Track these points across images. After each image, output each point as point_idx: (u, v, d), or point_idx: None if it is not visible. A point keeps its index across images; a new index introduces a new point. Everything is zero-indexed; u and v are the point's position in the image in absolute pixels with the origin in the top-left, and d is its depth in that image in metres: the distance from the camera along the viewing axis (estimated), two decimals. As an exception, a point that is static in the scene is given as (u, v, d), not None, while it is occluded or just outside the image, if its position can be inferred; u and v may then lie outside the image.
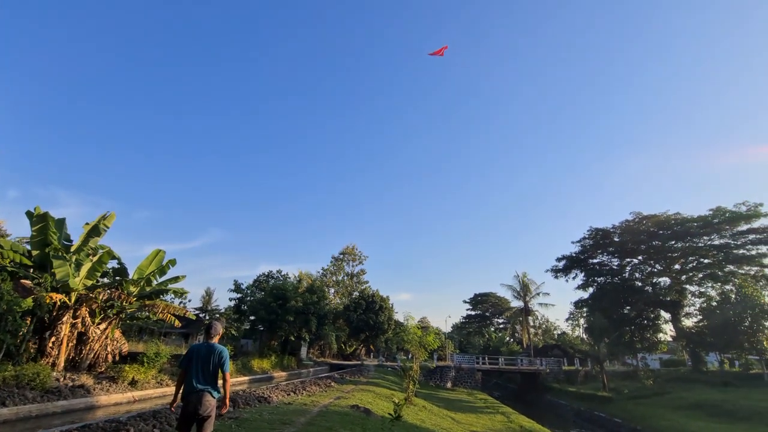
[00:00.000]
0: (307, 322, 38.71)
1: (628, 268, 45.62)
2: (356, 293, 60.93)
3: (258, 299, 40.51)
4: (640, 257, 44.08)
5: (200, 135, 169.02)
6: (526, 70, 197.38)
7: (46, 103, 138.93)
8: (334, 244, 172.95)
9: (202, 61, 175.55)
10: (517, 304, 59.97)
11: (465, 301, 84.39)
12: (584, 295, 48.34)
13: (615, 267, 46.04)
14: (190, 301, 52.33)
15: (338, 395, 16.16)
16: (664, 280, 42.95)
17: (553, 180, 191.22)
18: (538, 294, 54.84)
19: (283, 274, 47.05)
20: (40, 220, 16.55)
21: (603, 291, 44.88)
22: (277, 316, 36.94)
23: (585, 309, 51.70)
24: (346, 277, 68.47)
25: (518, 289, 55.50)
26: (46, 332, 15.94)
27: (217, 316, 48.69)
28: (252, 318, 41.93)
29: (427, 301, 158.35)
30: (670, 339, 46.19)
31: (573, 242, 48.68)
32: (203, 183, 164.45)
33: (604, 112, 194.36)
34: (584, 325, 63.64)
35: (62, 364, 15.89)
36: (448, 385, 38.39)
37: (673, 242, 40.57)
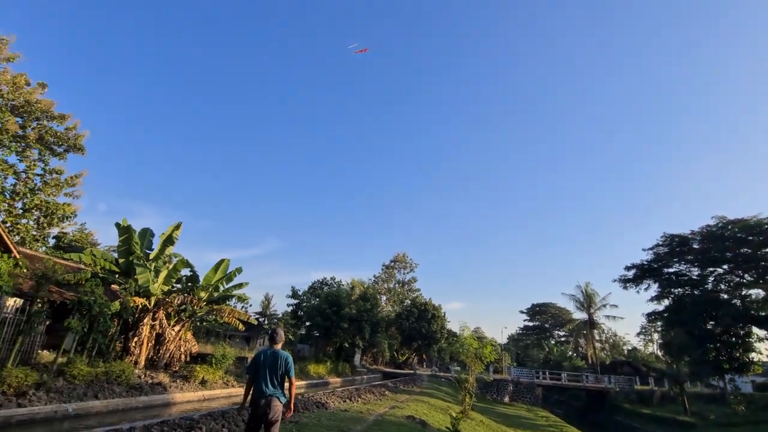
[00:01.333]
0: (361, 329, 39.18)
1: (711, 278, 40.85)
2: (408, 301, 60.73)
3: (313, 305, 41.80)
4: (725, 266, 39.31)
5: (260, 158, 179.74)
6: (603, 67, 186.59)
7: (128, 132, 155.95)
8: (385, 252, 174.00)
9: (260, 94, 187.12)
10: (580, 315, 56.20)
11: (522, 312, 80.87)
12: (658, 307, 44.09)
13: (695, 277, 41.46)
14: (251, 305, 55.27)
15: (393, 404, 16.08)
16: (757, 292, 37.86)
17: (618, 182, 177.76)
18: (604, 305, 51.01)
19: (336, 281, 48.29)
20: (125, 231, 18.47)
21: (681, 303, 40.55)
22: (331, 323, 37.81)
23: (659, 323, 47.06)
24: (397, 285, 68.60)
25: (581, 300, 52.00)
26: (129, 332, 17.65)
27: (276, 321, 50.90)
28: (308, 324, 43.36)
29: (481, 310, 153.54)
30: (766, 359, 40.53)
31: (644, 249, 44.69)
32: (261, 195, 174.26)
33: (679, 109, 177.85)
34: (659, 341, 57.98)
35: (143, 363, 17.46)
36: (506, 399, 36.72)
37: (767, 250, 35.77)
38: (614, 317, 51.29)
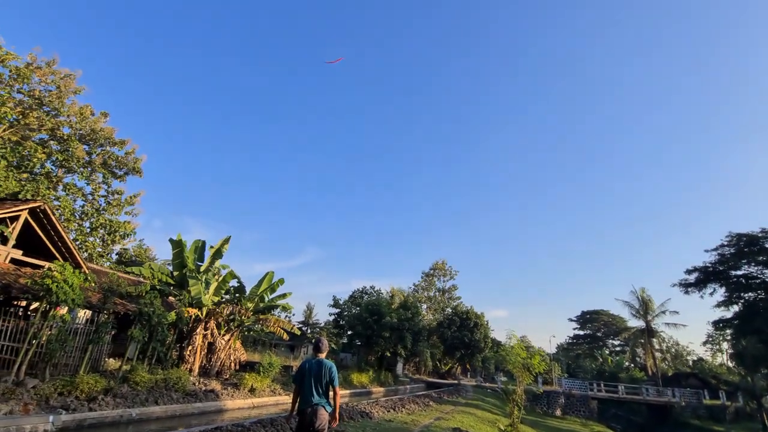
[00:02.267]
0: (402, 338, 38.96)
1: (789, 281, 36.81)
2: (449, 309, 59.72)
3: (354, 314, 42.19)
4: (804, 268, 35.34)
5: (301, 172, 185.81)
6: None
7: (178, 152, 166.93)
8: (424, 259, 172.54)
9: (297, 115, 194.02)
10: (636, 323, 52.52)
11: (571, 320, 76.97)
12: (726, 314, 40.25)
13: (768, 280, 37.55)
14: (294, 315, 56.80)
15: (438, 415, 15.79)
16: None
17: (676, 178, 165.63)
18: (663, 312, 47.34)
19: (376, 289, 48.50)
20: (177, 246, 19.72)
21: (753, 309, 36.77)
22: (373, 332, 37.92)
23: (729, 331, 42.92)
24: (437, 293, 67.72)
25: (637, 307, 48.63)
26: (184, 341, 18.69)
27: (318, 330, 51.86)
28: (350, 332, 43.78)
29: (526, 318, 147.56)
30: None
31: (707, 250, 41.11)
32: (302, 207, 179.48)
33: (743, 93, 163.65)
34: (729, 351, 52.90)
35: (197, 370, 18.39)
36: (557, 412, 34.89)
37: None
38: (675, 325, 47.37)
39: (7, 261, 14.24)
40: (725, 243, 39.37)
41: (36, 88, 25.66)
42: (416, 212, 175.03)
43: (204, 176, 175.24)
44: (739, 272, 39.36)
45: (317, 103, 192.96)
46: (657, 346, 53.62)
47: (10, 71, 23.87)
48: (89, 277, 14.31)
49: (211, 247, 21.08)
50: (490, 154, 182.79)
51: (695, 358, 68.93)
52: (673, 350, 69.93)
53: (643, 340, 50.60)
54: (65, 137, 26.91)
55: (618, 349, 70.67)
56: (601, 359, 68.06)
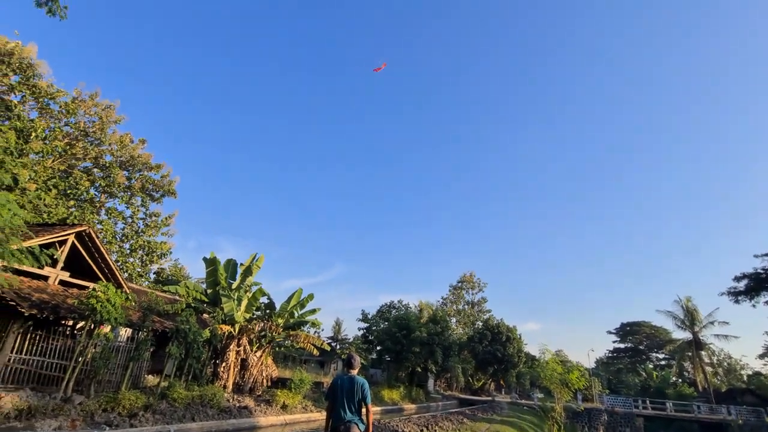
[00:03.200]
0: (433, 353, 38.23)
1: None
2: (479, 323, 58.30)
3: (383, 329, 41.88)
4: None
5: (329, 189, 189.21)
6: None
7: (209, 172, 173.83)
8: (451, 272, 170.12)
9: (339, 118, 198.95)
10: (681, 335, 49.45)
11: (610, 332, 73.35)
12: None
13: (830, 286, 34.56)
14: (323, 330, 57.07)
15: (473, 434, 15.29)
16: None
17: (721, 176, 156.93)
18: (711, 323, 44.35)
19: (404, 304, 48.09)
20: (211, 264, 20.40)
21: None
22: (402, 347, 37.45)
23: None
24: (466, 306, 66.37)
25: (682, 317, 45.83)
26: (218, 358, 19.10)
27: (348, 345, 51.73)
28: (379, 348, 43.42)
29: (561, 331, 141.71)
30: None
31: (757, 255, 38.39)
32: (329, 222, 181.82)
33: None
34: (791, 364, 48.68)
35: (230, 387, 18.70)
36: (600, 431, 33.00)
37: None
38: (726, 336, 44.24)
39: (56, 283, 15.14)
40: (777, 247, 36.68)
41: (81, 120, 27.60)
42: (445, 224, 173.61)
43: (234, 194, 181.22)
44: (795, 278, 36.48)
45: (345, 113, 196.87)
46: (707, 360, 49.99)
47: (60, 107, 25.82)
48: (130, 297, 14.98)
49: (242, 264, 21.65)
50: (523, 161, 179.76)
51: (751, 373, 63.68)
52: (726, 364, 64.98)
53: (690, 353, 47.46)
54: (107, 164, 28.69)
55: (663, 363, 66.46)
56: (644, 374, 64.12)
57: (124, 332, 16.94)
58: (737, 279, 40.04)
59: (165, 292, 22.20)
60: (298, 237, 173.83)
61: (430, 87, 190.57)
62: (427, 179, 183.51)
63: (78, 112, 27.00)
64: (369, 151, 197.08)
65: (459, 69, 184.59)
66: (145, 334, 14.93)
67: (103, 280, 16.17)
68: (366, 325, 46.67)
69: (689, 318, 45.48)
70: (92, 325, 12.66)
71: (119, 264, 28.24)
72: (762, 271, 37.94)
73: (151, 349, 15.77)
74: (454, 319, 62.01)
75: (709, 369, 51.00)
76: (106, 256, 16.41)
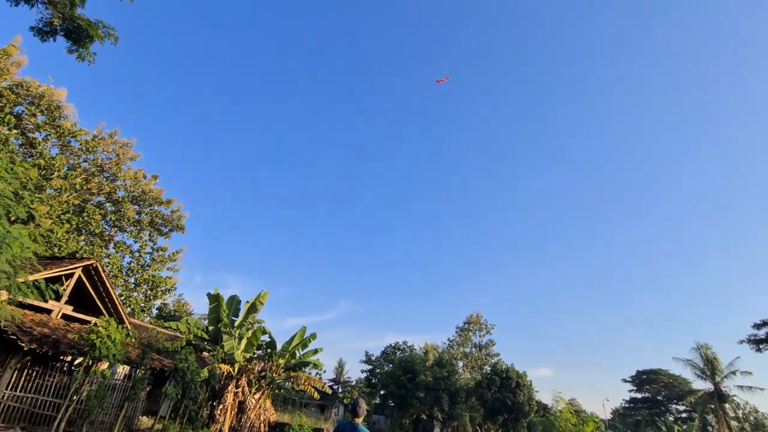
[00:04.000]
0: (439, 399, 36.56)
1: None
2: (487, 367, 56.04)
3: (387, 372, 40.41)
4: None
5: (336, 225, 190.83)
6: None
7: (219, 207, 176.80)
8: (458, 312, 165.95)
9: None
10: (702, 385, 46.65)
11: (625, 380, 69.78)
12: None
13: None
14: (325, 372, 55.26)
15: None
16: None
17: (736, 217, 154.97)
18: (733, 373, 42.02)
19: (409, 345, 46.70)
20: (214, 300, 20.20)
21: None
22: (406, 391, 35.93)
23: (818, 396, 37.30)
24: (474, 349, 64.09)
25: (701, 366, 43.60)
26: (215, 400, 18.43)
27: (350, 389, 49.70)
28: (382, 392, 41.67)
29: (573, 378, 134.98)
30: None
31: (774, 302, 37.12)
32: (335, 261, 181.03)
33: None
34: (823, 420, 45.46)
35: (227, 431, 17.88)
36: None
37: None
38: (750, 388, 41.72)
39: (58, 317, 15.06)
40: (796, 293, 35.54)
41: (99, 156, 28.67)
42: (452, 263, 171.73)
43: (243, 232, 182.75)
44: (818, 326, 34.97)
45: (361, 150, 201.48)
46: (731, 414, 46.92)
47: (80, 144, 26.95)
48: (131, 333, 14.78)
49: (246, 302, 21.43)
50: (538, 200, 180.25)
51: (781, 429, 59.42)
52: (752, 418, 60.90)
53: (713, 406, 44.65)
54: (119, 199, 29.40)
55: (684, 415, 62.57)
56: (665, 427, 60.19)
57: (122, 369, 16.56)
58: (757, 326, 38.51)
59: (166, 328, 21.91)
60: (304, 274, 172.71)
61: (445, 123, 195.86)
62: (439, 220, 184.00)
63: (97, 150, 28.10)
64: (379, 187, 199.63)
65: (476, 109, 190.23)
66: (143, 372, 14.57)
67: (106, 314, 16.06)
68: (369, 367, 45.15)
69: (709, 367, 43.21)
70: (90, 362, 12.42)
71: (123, 298, 28.13)
72: (782, 318, 36.52)
73: (148, 388, 15.31)
74: (460, 363, 59.70)
75: (734, 423, 47.75)
76: (111, 290, 16.40)
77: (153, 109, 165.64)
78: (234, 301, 21.50)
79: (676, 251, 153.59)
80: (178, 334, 20.75)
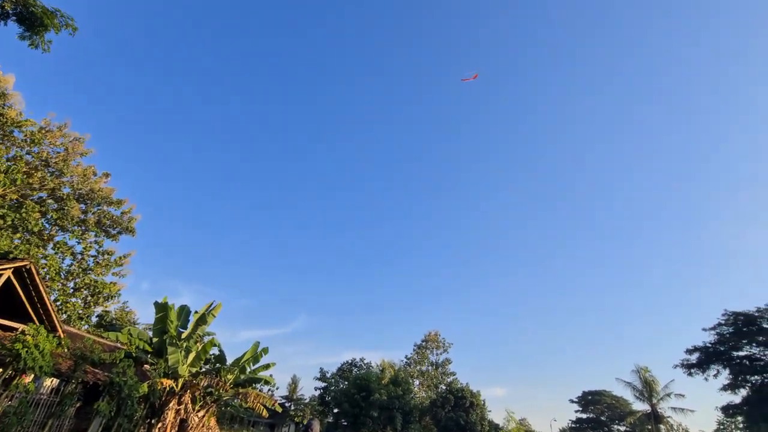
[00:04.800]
0: (392, 418, 36.18)
1: (793, 364, 35.67)
2: (443, 386, 56.30)
3: (341, 390, 39.59)
4: (807, 350, 34.50)
5: (295, 232, 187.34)
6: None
7: (172, 213, 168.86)
8: (417, 329, 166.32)
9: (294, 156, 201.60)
10: (640, 407, 49.42)
11: (572, 401, 72.35)
12: (734, 398, 38.23)
13: (773, 362, 36.36)
14: (277, 388, 53.07)
15: None
16: None
17: (669, 248, 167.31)
18: (668, 395, 44.83)
19: (366, 362, 46.13)
20: (162, 309, 19.04)
21: (762, 394, 35.08)
22: (360, 410, 35.30)
23: (740, 418, 40.45)
24: (430, 368, 64.28)
25: (640, 388, 46.17)
26: (154, 418, 17.20)
27: (302, 406, 48.07)
28: (336, 411, 40.67)
29: (526, 397, 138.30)
30: None
31: (705, 329, 40.33)
32: (296, 272, 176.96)
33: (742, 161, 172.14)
34: (744, 441, 49.23)
35: (164, 452, 16.68)
36: None
37: None
38: (684, 410, 44.60)
39: (-21, 322, 13.64)
40: (722, 322, 38.81)
41: (45, 150, 26.71)
42: (414, 280, 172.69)
43: (198, 239, 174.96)
44: (741, 353, 38.24)
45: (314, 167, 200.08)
46: (666, 434, 49.81)
47: (25, 135, 25.02)
48: (63, 342, 13.63)
49: (196, 312, 20.39)
50: (481, 224, 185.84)
51: (708, 449, 63.72)
52: (684, 439, 64.89)
53: (650, 427, 47.23)
54: (63, 196, 27.37)
55: (625, 436, 65.53)
56: (607, 448, 62.84)
57: (49, 383, 15.15)
58: (689, 351, 41.55)
59: (105, 338, 20.34)
60: (265, 286, 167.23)
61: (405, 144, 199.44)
62: (402, 235, 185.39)
63: (43, 142, 26.20)
64: (341, 207, 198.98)
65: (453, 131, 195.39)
66: (74, 386, 13.40)
67: (36, 321, 14.71)
68: (324, 384, 44.00)
69: (647, 389, 45.87)
70: (12, 374, 11.27)
71: (59, 304, 25.94)
72: (710, 345, 39.65)
73: (77, 405, 14.07)
74: (417, 381, 59.61)
75: (668, 444, 50.60)
76: (44, 295, 15.10)
77: (119, 108, 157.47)
78: (184, 312, 20.39)
79: (621, 276, 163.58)
80: (119, 345, 19.33)
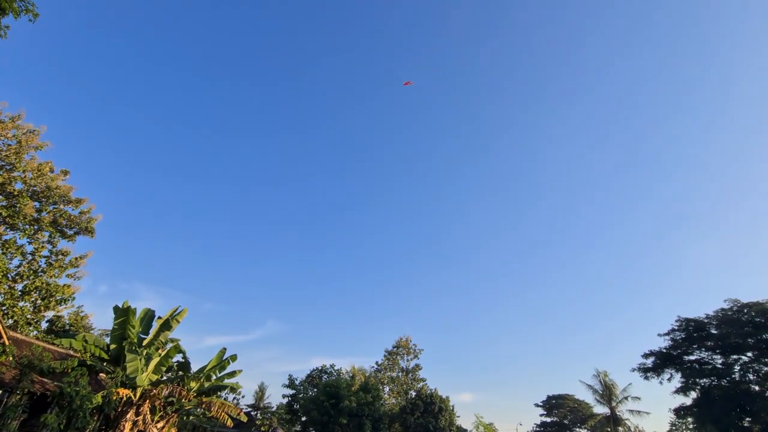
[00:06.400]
0: (361, 426, 35.80)
1: (737, 367, 38.13)
2: (413, 392, 56.37)
3: (310, 397, 38.84)
4: (749, 354, 37.00)
5: (264, 236, 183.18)
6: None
7: (135, 213, 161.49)
8: (388, 335, 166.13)
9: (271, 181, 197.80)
10: (601, 410, 51.31)
11: (537, 405, 74.20)
12: (686, 401, 40.41)
13: (719, 366, 38.74)
14: (243, 396, 51.45)
15: None
16: (791, 384, 35.03)
17: (626, 256, 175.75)
18: (626, 398, 46.84)
19: (336, 369, 45.53)
20: (122, 314, 18.01)
21: (709, 397, 37.31)
22: (329, 418, 34.71)
23: (690, 419, 42.81)
24: (401, 374, 64.23)
25: (600, 392, 47.97)
26: (108, 430, 16.19)
27: (269, 415, 46.74)
28: (304, 419, 39.82)
29: (493, 402, 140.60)
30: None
31: (660, 335, 42.53)
32: (267, 278, 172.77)
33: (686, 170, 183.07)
34: (693, 441, 52.10)
35: (119, 466, 15.71)
36: None
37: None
38: (640, 412, 46.69)
39: None
40: (675, 328, 41.07)
41: (-5, 141, 24.90)
42: (384, 287, 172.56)
43: (162, 240, 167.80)
44: (692, 357, 40.58)
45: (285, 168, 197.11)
46: (623, 436, 51.96)
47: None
48: (8, 350, 12.63)
49: (159, 318, 19.47)
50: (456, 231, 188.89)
51: (662, 449, 67.01)
52: (640, 440, 67.95)
53: (609, 429, 49.13)
54: (15, 193, 25.54)
55: (586, 438, 67.89)
56: (569, 451, 64.81)
57: (-9, 394, 13.97)
58: (645, 356, 43.64)
59: (57, 345, 19.03)
60: (232, 290, 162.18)
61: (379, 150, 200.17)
62: (373, 238, 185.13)
63: (-7, 133, 24.41)
64: (317, 202, 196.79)
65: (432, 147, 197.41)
66: (18, 397, 12.42)
67: (-23, 327, 13.56)
68: (292, 391, 42.96)
69: (607, 393, 47.72)
70: (-53, 385, 10.30)
71: (4, 308, 24.06)
72: (665, 350, 41.84)
73: (22, 417, 13.03)
74: (387, 388, 59.39)
75: (626, 445, 52.76)
76: (-12, 298, 13.96)
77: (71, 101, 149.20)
78: (147, 316, 19.44)
79: (584, 283, 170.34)
80: (71, 353, 18.11)
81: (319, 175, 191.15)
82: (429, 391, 50.24)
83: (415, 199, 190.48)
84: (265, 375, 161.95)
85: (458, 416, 51.33)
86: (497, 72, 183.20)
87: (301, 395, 42.00)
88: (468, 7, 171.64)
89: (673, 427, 61.69)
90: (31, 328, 26.45)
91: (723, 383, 37.53)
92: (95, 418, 15.33)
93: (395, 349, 65.39)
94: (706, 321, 39.13)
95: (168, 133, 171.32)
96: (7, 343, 13.44)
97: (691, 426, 47.74)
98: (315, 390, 39.73)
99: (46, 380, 14.77)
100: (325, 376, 43.44)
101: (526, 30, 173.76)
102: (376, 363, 63.34)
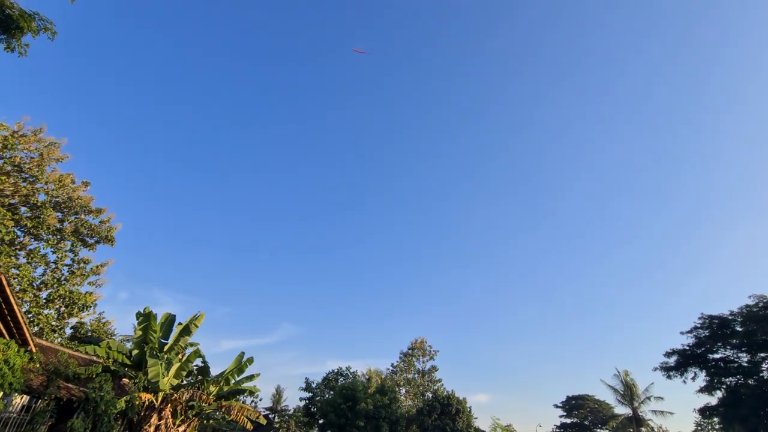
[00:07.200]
0: (378, 428, 35.77)
1: (765, 365, 36.88)
2: (429, 394, 56.12)
3: (327, 400, 38.99)
4: (777, 351, 35.78)
5: (279, 240, 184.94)
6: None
7: (153, 221, 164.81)
8: (404, 336, 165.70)
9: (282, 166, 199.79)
10: (622, 410, 50.17)
11: (556, 406, 72.97)
12: (711, 400, 39.21)
13: (746, 364, 37.49)
14: (261, 399, 51.84)
15: None
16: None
17: (652, 253, 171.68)
18: (648, 398, 45.72)
19: (352, 371, 45.60)
20: (145, 320, 18.43)
21: (736, 396, 36.13)
22: (346, 420, 34.79)
23: (716, 419, 41.54)
24: (417, 375, 64.02)
25: (621, 392, 46.94)
26: (132, 433, 16.56)
27: (287, 418, 47.14)
28: (321, 421, 40.00)
29: (510, 403, 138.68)
30: None
31: (682, 332, 41.39)
32: (281, 280, 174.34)
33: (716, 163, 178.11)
34: (721, 442, 50.54)
35: (142, 470, 16.05)
36: None
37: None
38: (663, 412, 45.49)
39: (-56, 337, 12.90)
40: (698, 325, 39.91)
41: (18, 155, 25.74)
42: (399, 287, 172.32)
43: (178, 245, 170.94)
44: (717, 356, 39.38)
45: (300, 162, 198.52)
46: (647, 437, 50.70)
47: (-4, 139, 24.10)
48: (35, 357, 13.02)
49: (180, 324, 19.83)
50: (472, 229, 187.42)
51: (688, 451, 65.14)
52: (664, 441, 66.21)
53: (632, 430, 48.00)
54: (38, 204, 26.37)
55: (608, 440, 66.47)
56: (591, 452, 63.55)
57: (20, 400, 14.42)
58: (668, 354, 42.53)
59: (81, 351, 19.53)
60: (248, 294, 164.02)
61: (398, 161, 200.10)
62: (389, 239, 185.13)
63: (16, 147, 25.25)
64: (328, 198, 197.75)
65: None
66: (46, 403, 12.80)
67: (6, 335, 14.02)
68: (309, 394, 43.19)
69: (629, 393, 46.65)
70: (-21, 392, 10.68)
71: (30, 316, 24.83)
72: (688, 348, 40.71)
73: (50, 422, 13.42)
74: (403, 390, 59.24)
75: (650, 447, 51.48)
76: (15, 308, 14.41)
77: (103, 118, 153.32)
78: (167, 321, 19.82)
79: (608, 282, 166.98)
80: (95, 359, 18.59)
81: (330, 168, 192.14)
82: (446, 393, 49.89)
83: (424, 196, 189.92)
84: (282, 378, 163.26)
85: (476, 418, 50.86)
86: (500, 72, 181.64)
87: (317, 398, 42.21)
88: (468, 7, 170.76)
89: (699, 428, 59.96)
90: (55, 335, 27.24)
91: (750, 382, 36.33)
92: (119, 422, 15.70)
93: (410, 350, 65.24)
94: (730, 318, 37.93)
95: (174, 133, 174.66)
96: (34, 350, 13.86)
97: (717, 426, 46.27)
98: (331, 393, 39.88)
99: (71, 386, 15.19)
100: (342, 379, 43.60)
101: (537, 27, 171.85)
102: (392, 365, 63.28)
